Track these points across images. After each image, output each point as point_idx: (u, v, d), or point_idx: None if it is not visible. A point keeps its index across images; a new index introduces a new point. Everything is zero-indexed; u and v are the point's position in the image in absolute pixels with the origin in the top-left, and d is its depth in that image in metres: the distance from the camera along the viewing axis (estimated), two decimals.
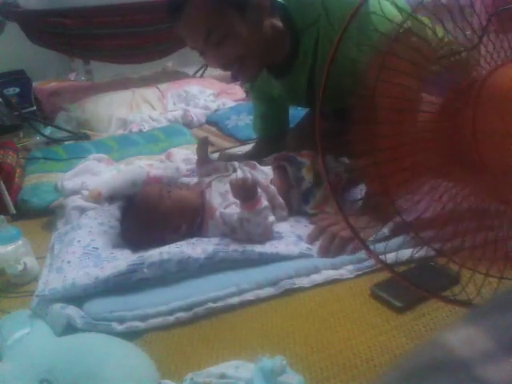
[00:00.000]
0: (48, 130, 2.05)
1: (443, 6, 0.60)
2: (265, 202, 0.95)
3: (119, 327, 0.79)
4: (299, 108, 1.55)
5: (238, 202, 0.98)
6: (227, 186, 1.02)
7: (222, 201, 1.01)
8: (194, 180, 1.31)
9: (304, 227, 1.03)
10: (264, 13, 1.05)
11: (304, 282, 0.87)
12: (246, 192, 0.94)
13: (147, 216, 0.98)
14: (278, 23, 1.09)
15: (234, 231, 0.96)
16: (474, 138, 0.60)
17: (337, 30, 1.01)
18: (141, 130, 1.99)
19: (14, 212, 1.31)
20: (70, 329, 0.78)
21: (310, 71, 1.14)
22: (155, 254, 0.88)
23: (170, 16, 1.04)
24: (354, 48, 0.86)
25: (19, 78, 2.37)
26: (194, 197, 1.04)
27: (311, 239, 0.98)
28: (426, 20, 0.67)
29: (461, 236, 0.67)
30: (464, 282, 0.69)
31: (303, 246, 0.94)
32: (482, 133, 0.59)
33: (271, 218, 0.96)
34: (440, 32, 0.63)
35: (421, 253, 0.78)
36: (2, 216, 1.02)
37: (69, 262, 0.92)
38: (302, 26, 1.09)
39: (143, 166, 1.37)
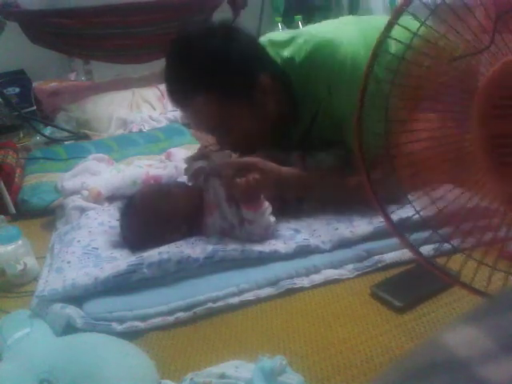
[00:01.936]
0: (48, 130, 2.04)
1: (448, 7, 0.61)
2: (266, 203, 0.95)
3: (119, 327, 0.78)
4: None
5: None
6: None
7: (221, 198, 1.00)
8: None
9: (301, 221, 1.03)
10: (269, 101, 1.03)
11: (304, 281, 0.87)
12: (250, 194, 0.93)
13: (146, 216, 0.98)
14: (281, 100, 1.07)
15: (233, 228, 0.96)
16: (477, 137, 0.60)
17: (338, 114, 1.02)
18: (141, 130, 1.99)
19: (14, 212, 1.31)
20: (70, 329, 0.78)
21: (303, 135, 1.14)
22: (154, 254, 0.88)
23: (171, 103, 1.04)
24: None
25: (19, 78, 2.37)
26: (193, 196, 1.03)
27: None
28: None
29: (467, 233, 0.68)
30: (469, 279, 0.69)
31: (299, 239, 0.94)
32: (483, 133, 0.60)
33: (273, 220, 0.96)
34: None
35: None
36: (2, 216, 1.02)
37: (68, 262, 0.92)
38: (302, 97, 1.08)
39: (143, 165, 1.37)
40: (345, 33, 1.03)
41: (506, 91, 0.58)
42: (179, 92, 1.01)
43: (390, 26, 0.66)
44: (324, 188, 1.02)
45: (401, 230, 0.75)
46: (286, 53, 1.07)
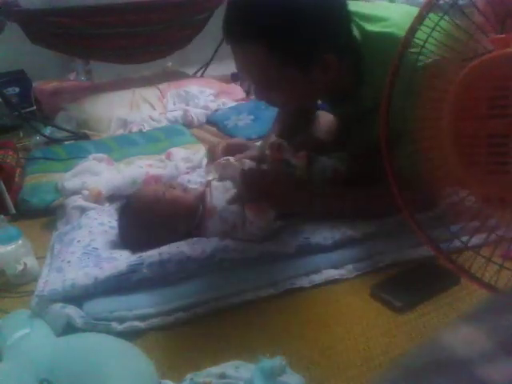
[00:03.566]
0: (48, 130, 2.04)
1: (460, 8, 0.62)
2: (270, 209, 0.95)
3: (119, 327, 0.79)
4: None
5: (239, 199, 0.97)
6: (227, 185, 1.02)
7: (222, 201, 1.00)
8: (194, 178, 1.30)
9: (303, 220, 1.02)
10: (325, 79, 0.92)
11: (304, 281, 0.87)
12: (260, 187, 0.93)
13: (142, 217, 0.98)
14: (341, 79, 0.95)
15: (234, 229, 0.96)
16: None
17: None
18: (141, 130, 1.99)
19: (14, 212, 1.31)
20: (69, 329, 0.78)
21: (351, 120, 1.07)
22: (155, 254, 0.88)
23: (224, 36, 0.93)
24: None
25: (19, 77, 2.37)
26: (190, 197, 1.03)
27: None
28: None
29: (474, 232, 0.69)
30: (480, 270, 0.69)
31: (300, 238, 0.94)
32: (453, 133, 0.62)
33: (275, 222, 0.96)
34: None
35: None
36: (2, 216, 1.02)
37: (68, 262, 0.92)
38: (369, 78, 0.96)
39: (143, 165, 1.37)
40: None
41: (474, 93, 0.59)
42: (234, 29, 0.90)
43: (420, 19, 0.67)
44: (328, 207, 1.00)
45: (423, 226, 0.76)
46: (370, 29, 0.94)
